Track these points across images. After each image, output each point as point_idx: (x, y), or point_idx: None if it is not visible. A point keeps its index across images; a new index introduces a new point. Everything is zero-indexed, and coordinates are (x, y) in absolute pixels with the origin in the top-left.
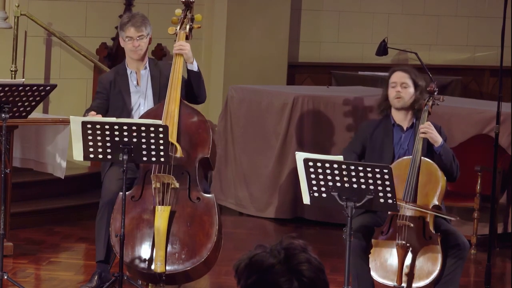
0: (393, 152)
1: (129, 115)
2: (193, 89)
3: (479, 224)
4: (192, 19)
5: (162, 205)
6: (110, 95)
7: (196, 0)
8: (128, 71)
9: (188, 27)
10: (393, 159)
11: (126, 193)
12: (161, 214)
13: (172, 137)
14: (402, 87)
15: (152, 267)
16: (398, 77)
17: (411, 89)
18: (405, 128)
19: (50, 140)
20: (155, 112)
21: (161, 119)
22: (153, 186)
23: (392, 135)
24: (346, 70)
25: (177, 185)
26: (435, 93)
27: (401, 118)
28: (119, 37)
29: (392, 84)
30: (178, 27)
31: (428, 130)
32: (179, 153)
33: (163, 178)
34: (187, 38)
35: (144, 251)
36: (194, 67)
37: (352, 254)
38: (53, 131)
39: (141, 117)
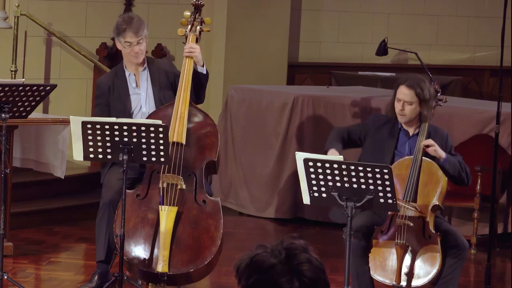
0: (393, 155)
1: (130, 118)
2: (197, 90)
3: (479, 224)
4: (201, 22)
5: (168, 205)
6: (110, 100)
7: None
8: (127, 73)
9: (198, 29)
10: (392, 161)
11: (131, 191)
12: (167, 215)
13: (182, 138)
14: (406, 104)
15: (154, 266)
16: (403, 94)
17: (415, 106)
18: (411, 134)
19: (50, 140)
20: (164, 112)
21: (169, 120)
22: (160, 186)
23: (397, 138)
24: (346, 70)
25: (184, 186)
26: (438, 93)
27: (407, 126)
28: (115, 40)
29: (397, 98)
30: (188, 29)
31: (430, 144)
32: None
33: (171, 179)
34: (197, 40)
35: (147, 250)
36: (204, 69)
37: (352, 254)
38: (53, 131)
39: (148, 117)
